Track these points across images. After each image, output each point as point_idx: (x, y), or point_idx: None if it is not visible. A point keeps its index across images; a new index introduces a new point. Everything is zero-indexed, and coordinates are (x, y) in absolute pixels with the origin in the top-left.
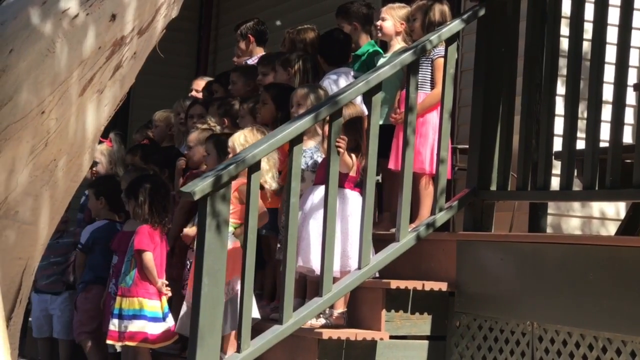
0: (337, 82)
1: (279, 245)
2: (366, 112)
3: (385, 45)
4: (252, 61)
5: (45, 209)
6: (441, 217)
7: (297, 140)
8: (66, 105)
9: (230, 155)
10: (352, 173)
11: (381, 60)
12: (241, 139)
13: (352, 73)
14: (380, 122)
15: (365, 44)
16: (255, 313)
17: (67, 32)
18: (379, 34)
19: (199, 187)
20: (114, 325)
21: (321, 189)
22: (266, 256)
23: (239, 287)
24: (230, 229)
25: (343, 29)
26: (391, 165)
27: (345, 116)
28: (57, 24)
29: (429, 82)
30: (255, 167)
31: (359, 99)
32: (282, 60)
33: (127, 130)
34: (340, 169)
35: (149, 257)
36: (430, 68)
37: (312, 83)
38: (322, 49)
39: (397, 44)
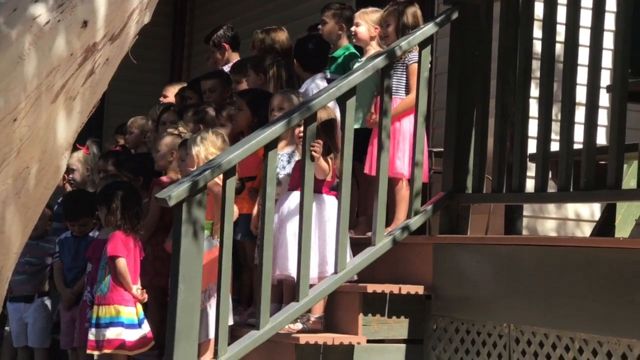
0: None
1: (257, 251)
2: (339, 116)
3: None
4: (227, 68)
5: (18, 217)
6: (417, 221)
7: (272, 145)
8: (38, 113)
9: (190, 164)
10: (328, 178)
11: (356, 66)
12: (208, 146)
13: (329, 76)
14: (356, 126)
15: (343, 47)
16: (230, 319)
17: (37, 39)
18: (354, 40)
19: (175, 192)
20: (92, 334)
21: (297, 194)
22: (242, 261)
23: (216, 294)
24: (206, 232)
25: (325, 25)
26: (367, 169)
27: (318, 120)
28: (27, 31)
29: (404, 87)
30: (231, 172)
31: (332, 103)
32: (255, 64)
33: (102, 138)
34: (316, 174)
35: (122, 263)
36: (405, 73)
37: (286, 88)
38: (300, 56)
39: (372, 49)
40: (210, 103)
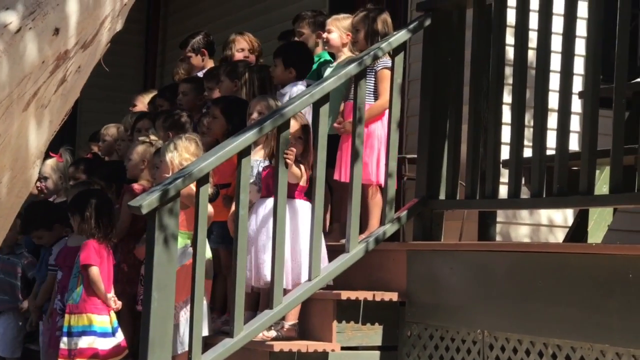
0: None
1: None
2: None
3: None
4: (201, 74)
5: None
6: (390, 228)
7: (245, 152)
8: (9, 121)
9: (164, 170)
10: (302, 183)
11: (327, 71)
12: (182, 152)
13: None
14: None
15: (317, 54)
16: (205, 330)
17: (8, 46)
18: (326, 47)
19: (147, 201)
20: (64, 343)
21: (271, 201)
22: (216, 269)
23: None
24: (187, 242)
25: (301, 36)
26: (337, 176)
27: (291, 127)
28: None
29: (372, 93)
30: (203, 180)
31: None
32: (228, 70)
33: (74, 145)
34: (289, 179)
35: (95, 271)
36: (373, 79)
37: (259, 94)
38: (290, 60)
39: (344, 54)
40: (181, 110)
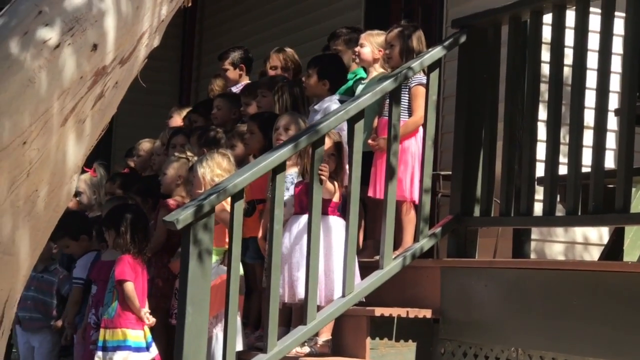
0: None
1: (265, 274)
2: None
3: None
4: (236, 89)
5: (27, 240)
6: (425, 244)
7: (280, 168)
8: (48, 136)
9: (197, 186)
10: (335, 199)
11: (359, 88)
12: (214, 167)
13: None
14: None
15: (353, 70)
16: (239, 345)
17: (48, 62)
18: (357, 61)
19: (182, 216)
20: (99, 357)
21: (305, 218)
22: (252, 284)
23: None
24: (216, 258)
25: (340, 54)
26: (371, 192)
27: (326, 143)
28: (38, 55)
29: (407, 109)
30: (238, 196)
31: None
32: (270, 85)
33: (110, 160)
34: (323, 195)
35: (130, 287)
36: (407, 96)
37: (292, 109)
38: (326, 73)
39: (375, 71)
40: (215, 127)
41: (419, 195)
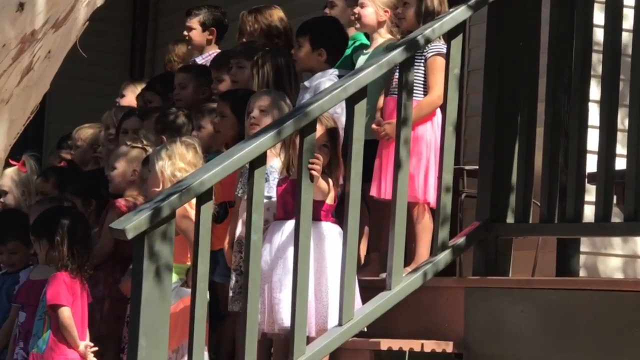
0: None
1: (231, 294)
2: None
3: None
4: (202, 60)
5: None
6: (444, 258)
7: (259, 161)
8: None
9: (153, 183)
10: (329, 201)
11: (361, 58)
12: (175, 160)
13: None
14: None
15: (353, 34)
16: None
17: None
18: (357, 25)
19: (134, 222)
20: None
21: (290, 225)
22: (223, 309)
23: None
24: (177, 277)
25: (334, 8)
26: (374, 192)
27: (318, 130)
28: None
29: (422, 86)
30: (205, 196)
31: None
32: (249, 54)
33: (42, 151)
34: (313, 196)
35: (67, 313)
36: (422, 69)
37: (276, 86)
38: (321, 40)
39: (380, 37)
40: (178, 107)
41: (436, 195)
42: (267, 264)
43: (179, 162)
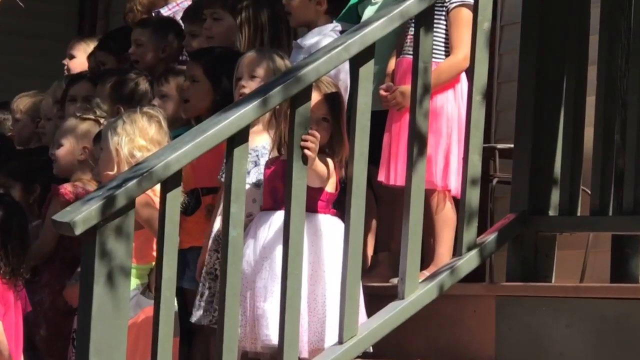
0: None
1: (201, 303)
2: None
3: None
4: (169, 11)
5: None
6: (471, 260)
7: (240, 138)
8: None
9: (106, 165)
10: (330, 188)
11: (368, 10)
12: (135, 136)
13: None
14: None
15: None
16: None
17: None
18: None
19: (82, 214)
20: None
21: (279, 217)
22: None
23: None
24: (138, 282)
25: None
26: (382, 176)
27: (314, 98)
28: None
29: (442, 45)
30: (172, 181)
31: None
32: (226, 1)
33: None
34: (309, 182)
35: None
36: (444, 23)
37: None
38: None
39: None
40: (138, 72)
41: (461, 182)
42: (250, 265)
43: (138, 138)
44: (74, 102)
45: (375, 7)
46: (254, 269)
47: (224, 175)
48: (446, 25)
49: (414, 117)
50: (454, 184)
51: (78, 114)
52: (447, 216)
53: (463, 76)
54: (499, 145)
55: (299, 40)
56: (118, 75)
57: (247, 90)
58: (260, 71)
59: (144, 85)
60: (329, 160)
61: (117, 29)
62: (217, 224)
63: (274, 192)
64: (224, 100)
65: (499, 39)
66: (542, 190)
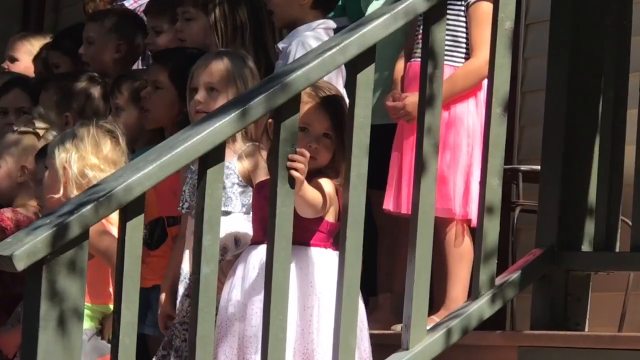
0: None
1: (163, 353)
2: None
3: None
4: (134, 4)
5: None
6: (489, 303)
7: (215, 156)
8: None
9: (51, 186)
10: (330, 217)
11: (373, 5)
12: (86, 153)
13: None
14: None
15: None
16: None
17: None
18: None
19: (25, 247)
20: None
21: (260, 253)
22: None
23: None
24: (91, 324)
25: None
26: (388, 204)
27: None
28: None
29: (462, 46)
30: (133, 208)
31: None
32: None
33: None
34: (299, 211)
35: None
36: (463, 20)
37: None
38: None
39: None
40: (92, 76)
41: (478, 210)
42: (237, 310)
43: (90, 156)
44: (4, 115)
45: (381, 2)
46: (241, 314)
47: (184, 204)
48: (465, 23)
49: (422, 132)
50: (476, 213)
51: (15, 128)
52: (464, 251)
53: (486, 84)
54: (523, 167)
55: (279, 44)
56: (66, 79)
57: (203, 107)
58: (221, 82)
59: (96, 91)
60: (329, 183)
61: (75, 25)
62: (187, 262)
63: (265, 222)
64: None
65: (524, 41)
66: (574, 220)
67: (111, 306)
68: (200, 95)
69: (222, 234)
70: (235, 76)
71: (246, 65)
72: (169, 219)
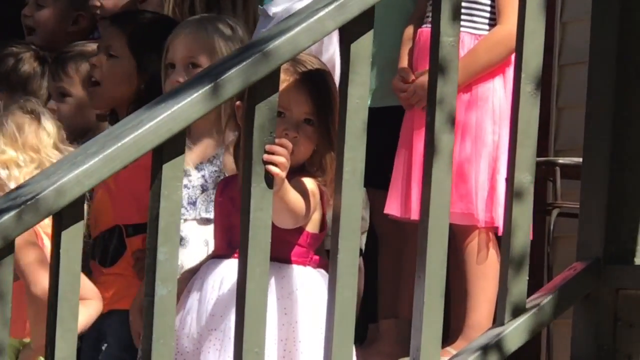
0: None
1: None
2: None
3: None
4: None
5: None
6: (518, 331)
7: (174, 147)
8: None
9: None
10: (312, 228)
11: None
12: (3, 146)
13: None
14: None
15: None
16: None
17: None
18: None
19: None
20: None
21: (236, 269)
22: None
23: None
24: None
25: None
26: (392, 207)
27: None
28: None
29: (486, 8)
30: (69, 214)
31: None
32: None
33: None
34: (277, 220)
35: None
36: None
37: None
38: None
39: None
40: (31, 44)
41: (504, 214)
42: (192, 339)
43: (8, 148)
44: None
45: None
46: (198, 344)
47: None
48: None
49: (433, 119)
50: (501, 218)
51: None
52: (488, 267)
53: (513, 58)
54: (561, 160)
55: (264, 6)
56: None
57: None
58: (204, 56)
59: (29, 64)
60: (312, 183)
61: None
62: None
63: (230, 231)
64: (154, 90)
65: (561, 9)
66: (625, 227)
67: (27, 340)
68: (178, 73)
69: (204, 247)
70: (222, 49)
71: (235, 35)
72: (127, 227)
